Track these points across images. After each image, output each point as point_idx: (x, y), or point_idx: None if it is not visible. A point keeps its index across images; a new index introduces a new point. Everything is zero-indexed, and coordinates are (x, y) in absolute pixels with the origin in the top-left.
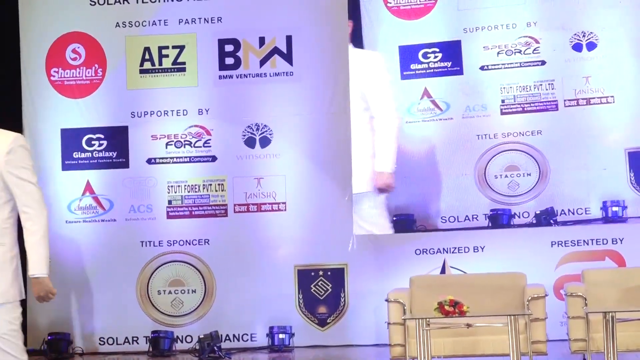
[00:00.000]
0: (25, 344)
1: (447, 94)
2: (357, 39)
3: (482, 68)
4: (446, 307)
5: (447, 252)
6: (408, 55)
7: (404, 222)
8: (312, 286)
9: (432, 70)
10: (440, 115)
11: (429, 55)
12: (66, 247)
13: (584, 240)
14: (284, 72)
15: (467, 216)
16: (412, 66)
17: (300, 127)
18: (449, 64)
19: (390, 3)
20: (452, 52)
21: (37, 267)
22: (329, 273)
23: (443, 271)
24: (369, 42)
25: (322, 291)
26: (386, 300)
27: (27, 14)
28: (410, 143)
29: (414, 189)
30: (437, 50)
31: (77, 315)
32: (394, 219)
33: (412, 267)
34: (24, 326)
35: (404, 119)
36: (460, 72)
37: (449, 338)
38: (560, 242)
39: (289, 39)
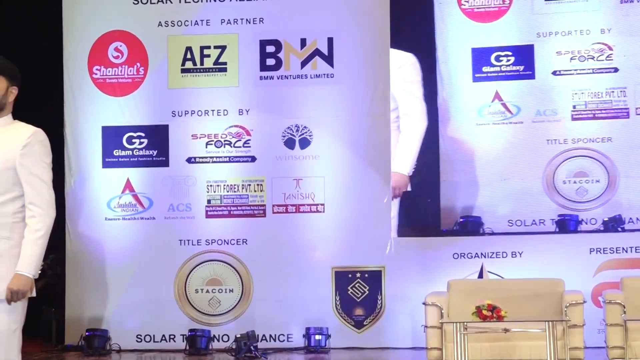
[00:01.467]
0: (63, 340)
1: (518, 97)
2: (395, 39)
3: (554, 73)
4: (484, 312)
5: (484, 257)
6: (480, 57)
7: (470, 224)
8: (349, 288)
9: (504, 74)
10: (510, 118)
11: (501, 58)
12: (105, 244)
13: (623, 248)
14: (324, 74)
15: (534, 220)
16: (484, 69)
17: (339, 128)
18: (521, 67)
19: (464, 5)
20: (524, 56)
21: (25, 264)
22: (366, 275)
23: (480, 276)
24: (440, 43)
25: (359, 293)
26: (423, 304)
27: (70, 12)
28: (479, 145)
29: (481, 192)
30: (510, 53)
31: (115, 312)
32: (460, 220)
33: (450, 271)
34: (62, 322)
35: (474, 121)
36: (532, 76)
37: (486, 343)
38: (599, 249)
39: (330, 40)
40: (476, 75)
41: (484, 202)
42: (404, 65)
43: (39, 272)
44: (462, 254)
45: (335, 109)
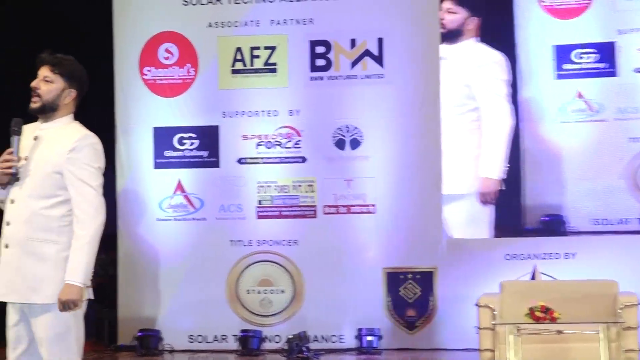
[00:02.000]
0: (115, 340)
1: (600, 95)
2: (486, 35)
3: (636, 70)
4: (537, 313)
5: (537, 258)
6: (562, 55)
7: (553, 223)
8: (400, 289)
9: (585, 71)
10: (592, 116)
11: (582, 55)
12: (156, 244)
13: None
14: (374, 74)
15: (620, 220)
16: (565, 66)
17: (390, 129)
18: (604, 65)
19: (544, 2)
20: (606, 53)
21: (72, 273)
22: (418, 276)
23: (533, 277)
24: (521, 40)
25: (411, 294)
26: (476, 305)
27: (121, 13)
28: (561, 143)
29: (564, 190)
30: (592, 50)
31: (167, 313)
32: (544, 218)
33: (502, 272)
34: (115, 322)
35: (557, 119)
36: (614, 73)
37: (539, 344)
38: None
39: (380, 41)
40: (558, 72)
41: (567, 201)
42: (488, 64)
43: (91, 276)
44: (514, 255)
45: (385, 109)
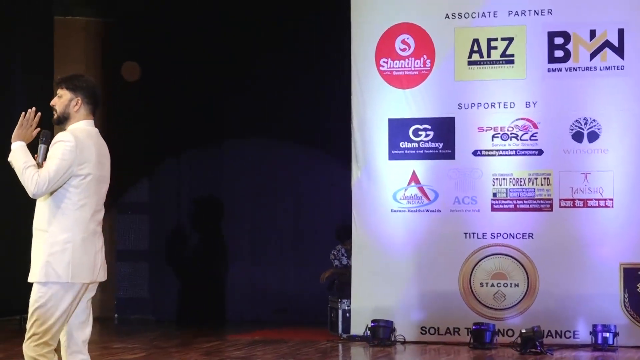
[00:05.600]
0: (349, 329)
1: None
2: None
3: None
4: None
5: None
6: None
7: None
8: (638, 285)
9: None
10: None
11: None
12: (391, 235)
13: None
14: (614, 66)
15: None
16: None
17: (630, 122)
18: None
19: None
20: None
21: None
22: None
23: None
24: None
25: None
26: None
27: (359, 5)
28: None
29: None
30: None
31: (399, 304)
32: None
33: None
34: (348, 312)
35: None
36: None
37: None
38: None
39: (620, 32)
40: None
41: None
42: None
43: None
44: None
45: (625, 102)
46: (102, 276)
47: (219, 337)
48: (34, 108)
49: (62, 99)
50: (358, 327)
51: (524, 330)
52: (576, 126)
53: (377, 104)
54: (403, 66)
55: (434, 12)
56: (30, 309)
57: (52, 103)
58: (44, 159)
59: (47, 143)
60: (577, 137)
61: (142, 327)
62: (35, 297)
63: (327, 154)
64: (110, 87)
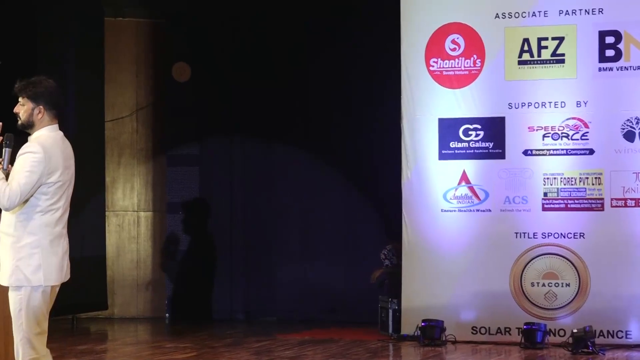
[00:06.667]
0: (399, 329)
1: None
2: None
3: None
4: None
5: None
6: None
7: None
8: None
9: None
10: None
11: None
12: (441, 235)
13: None
14: None
15: None
16: None
17: None
18: None
19: None
20: None
21: None
22: None
23: None
24: None
25: None
26: None
27: (408, 5)
28: None
29: None
30: None
31: (450, 303)
32: None
33: None
34: (399, 311)
35: None
36: None
37: None
38: None
39: None
40: None
41: None
42: None
43: None
44: None
45: None
46: (68, 277)
47: (269, 337)
48: None
49: (24, 107)
50: (408, 327)
51: (575, 330)
52: (628, 125)
53: (427, 104)
54: (453, 66)
55: (484, 12)
56: (13, 316)
57: (15, 110)
58: (10, 162)
59: (11, 146)
60: (629, 136)
61: (193, 327)
62: (13, 304)
63: (377, 153)
64: (161, 87)
